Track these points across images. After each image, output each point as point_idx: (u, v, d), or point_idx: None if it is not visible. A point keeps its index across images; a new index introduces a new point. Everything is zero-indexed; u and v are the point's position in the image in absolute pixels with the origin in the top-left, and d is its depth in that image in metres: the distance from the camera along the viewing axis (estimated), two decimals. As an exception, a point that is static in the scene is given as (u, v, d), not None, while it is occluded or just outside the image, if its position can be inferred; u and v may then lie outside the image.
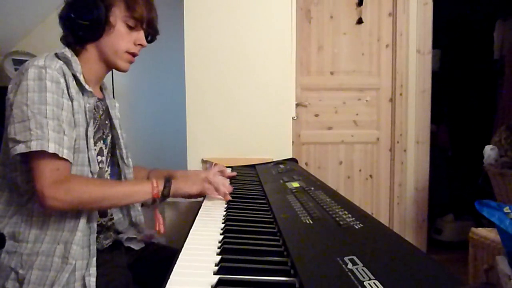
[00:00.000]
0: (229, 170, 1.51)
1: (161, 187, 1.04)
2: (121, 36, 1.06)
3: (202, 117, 1.94)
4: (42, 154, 0.90)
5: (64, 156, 0.92)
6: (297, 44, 2.27)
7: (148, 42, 1.14)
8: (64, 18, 1.04)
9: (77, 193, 0.94)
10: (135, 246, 1.22)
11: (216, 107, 1.94)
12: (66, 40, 1.05)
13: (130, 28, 1.07)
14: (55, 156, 0.91)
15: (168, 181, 1.06)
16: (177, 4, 1.93)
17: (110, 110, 1.19)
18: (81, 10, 1.01)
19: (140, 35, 1.09)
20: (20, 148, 0.90)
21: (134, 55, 1.11)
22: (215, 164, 1.80)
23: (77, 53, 1.05)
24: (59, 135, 0.92)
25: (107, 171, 1.18)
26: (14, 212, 1.00)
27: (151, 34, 1.15)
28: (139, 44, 1.10)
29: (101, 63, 1.09)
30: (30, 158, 0.92)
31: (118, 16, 1.05)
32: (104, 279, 1.02)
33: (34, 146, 0.89)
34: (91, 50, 1.06)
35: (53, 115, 0.92)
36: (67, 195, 0.92)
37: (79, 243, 0.98)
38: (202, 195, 1.19)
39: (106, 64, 1.09)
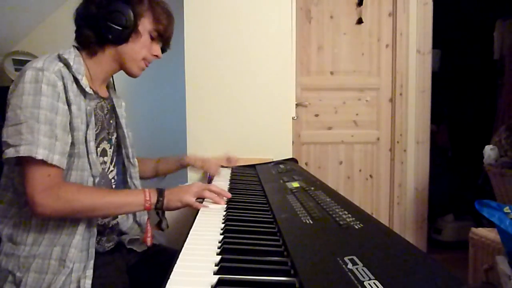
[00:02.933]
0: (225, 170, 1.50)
1: (153, 200, 1.03)
2: (144, 45, 1.09)
3: (202, 117, 1.94)
4: (32, 159, 0.89)
5: (54, 163, 0.91)
6: (297, 44, 2.27)
7: None
8: (89, 17, 1.03)
9: (68, 201, 0.93)
10: (138, 248, 1.21)
11: (216, 107, 1.94)
12: (86, 39, 1.04)
13: (152, 39, 1.11)
14: (44, 162, 0.90)
15: (160, 195, 1.05)
16: (177, 4, 1.93)
17: (116, 109, 1.19)
18: (114, 14, 1.02)
19: (157, 47, 1.13)
20: (10, 152, 0.89)
21: (148, 63, 1.14)
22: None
23: (91, 52, 1.06)
24: (50, 141, 0.91)
25: (112, 170, 1.17)
26: (14, 214, 0.99)
27: (165, 48, 1.18)
28: (154, 55, 1.13)
29: (114, 64, 1.10)
30: (22, 162, 0.92)
31: (146, 26, 1.08)
32: (100, 282, 1.01)
33: (23, 151, 0.88)
34: (108, 52, 1.07)
35: (46, 119, 0.91)
36: (58, 203, 0.91)
37: (78, 247, 0.97)
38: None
39: (119, 66, 1.11)
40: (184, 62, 1.92)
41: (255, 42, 1.93)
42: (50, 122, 0.92)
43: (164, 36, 1.13)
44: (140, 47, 1.09)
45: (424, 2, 2.54)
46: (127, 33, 1.04)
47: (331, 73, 2.59)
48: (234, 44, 1.93)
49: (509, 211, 1.22)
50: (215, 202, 1.10)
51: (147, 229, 1.18)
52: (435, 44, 2.61)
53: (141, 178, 1.33)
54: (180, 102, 1.96)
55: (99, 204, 0.98)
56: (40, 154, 0.89)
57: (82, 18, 1.04)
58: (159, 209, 1.05)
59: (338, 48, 2.58)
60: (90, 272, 0.98)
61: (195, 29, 1.91)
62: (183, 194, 1.08)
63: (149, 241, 1.17)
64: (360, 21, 2.56)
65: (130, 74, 1.13)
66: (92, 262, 0.99)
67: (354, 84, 2.60)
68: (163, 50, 1.18)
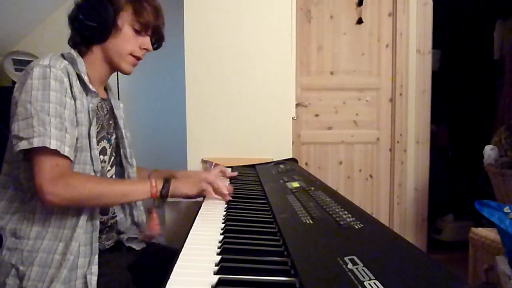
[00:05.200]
0: (229, 170, 1.51)
1: (159, 187, 1.05)
2: (127, 39, 1.09)
3: (202, 117, 1.94)
4: (43, 150, 0.91)
5: (65, 154, 0.93)
6: (297, 44, 2.27)
7: (154, 48, 1.17)
8: (73, 19, 1.06)
9: (76, 189, 0.94)
10: (136, 246, 1.22)
11: (216, 107, 1.94)
12: (73, 41, 1.07)
13: (137, 32, 1.10)
14: (56, 153, 0.92)
15: (166, 181, 1.07)
16: (177, 4, 1.93)
17: (114, 110, 1.20)
18: (90, 12, 1.03)
19: (146, 40, 1.12)
20: (23, 145, 0.91)
21: (138, 58, 1.13)
22: (216, 165, 1.80)
23: (82, 54, 1.07)
24: (60, 133, 0.93)
25: (109, 170, 1.18)
26: (17, 209, 1.00)
27: (157, 40, 1.17)
28: (144, 49, 1.13)
29: (106, 65, 1.11)
30: (32, 154, 0.93)
31: (125, 20, 1.08)
32: (104, 279, 1.02)
33: (36, 142, 0.90)
34: (96, 52, 1.08)
35: (56, 113, 0.94)
36: (66, 191, 0.93)
37: (80, 240, 0.98)
38: (201, 196, 1.19)
39: (110, 65, 1.11)
40: (184, 62, 1.92)
41: (255, 42, 1.93)
42: (60, 115, 0.94)
43: (150, 28, 1.12)
44: (123, 41, 1.08)
45: (424, 2, 2.54)
46: (105, 30, 1.05)
47: (331, 73, 2.59)
48: (234, 44, 1.93)
49: (509, 211, 1.22)
50: (221, 195, 1.15)
51: (152, 218, 1.19)
52: (435, 44, 2.61)
53: None
54: (180, 102, 1.96)
55: (107, 191, 0.99)
56: (53, 145, 0.91)
57: (69, 22, 1.07)
58: (165, 195, 1.06)
59: (338, 48, 2.58)
60: (95, 269, 0.99)
61: (195, 29, 1.91)
62: (190, 185, 1.12)
63: (156, 229, 1.18)
64: (360, 21, 2.56)
65: (120, 70, 1.13)
66: (96, 257, 1.00)
67: (354, 84, 2.60)
68: (158, 44, 1.18)
